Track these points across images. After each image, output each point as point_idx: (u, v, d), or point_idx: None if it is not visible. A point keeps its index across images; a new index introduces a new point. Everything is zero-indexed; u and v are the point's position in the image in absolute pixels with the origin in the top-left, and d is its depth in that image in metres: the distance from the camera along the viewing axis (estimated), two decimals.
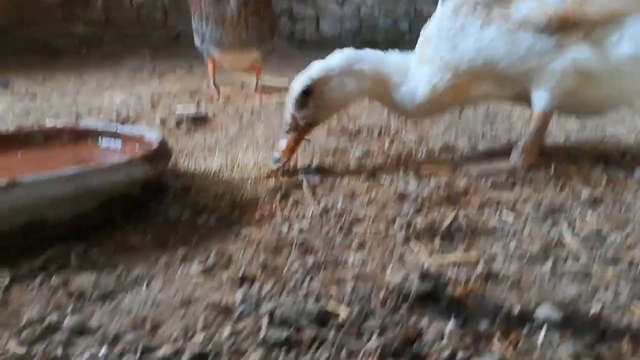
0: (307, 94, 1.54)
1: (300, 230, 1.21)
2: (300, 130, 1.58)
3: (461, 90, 1.56)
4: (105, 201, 1.16)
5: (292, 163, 1.65)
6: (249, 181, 1.53)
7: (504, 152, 1.71)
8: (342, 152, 1.83)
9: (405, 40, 4.71)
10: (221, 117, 2.41)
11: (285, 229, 1.22)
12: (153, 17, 4.94)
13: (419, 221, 1.21)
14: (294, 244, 1.13)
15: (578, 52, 1.46)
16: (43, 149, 1.57)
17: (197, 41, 2.88)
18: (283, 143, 1.57)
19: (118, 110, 2.48)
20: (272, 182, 1.53)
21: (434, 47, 1.53)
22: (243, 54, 2.87)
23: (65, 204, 1.09)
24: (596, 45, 1.46)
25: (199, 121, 2.32)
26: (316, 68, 1.56)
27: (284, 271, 1.02)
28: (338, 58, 1.57)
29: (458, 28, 1.50)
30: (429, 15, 1.65)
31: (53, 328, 0.84)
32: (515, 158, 1.54)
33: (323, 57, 1.60)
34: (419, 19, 4.82)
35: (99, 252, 1.10)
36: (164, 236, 1.19)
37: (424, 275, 0.90)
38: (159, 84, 3.29)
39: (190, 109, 2.56)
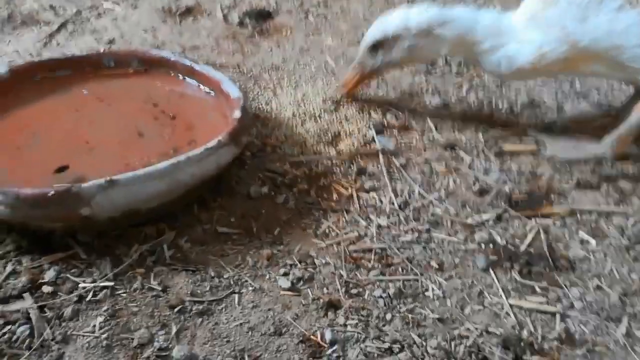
0: (377, 46, 1.47)
1: (379, 228, 1.22)
2: (364, 75, 1.57)
3: (570, 65, 1.39)
4: (194, 187, 1.17)
5: (365, 112, 1.59)
6: (323, 139, 1.49)
7: (591, 122, 1.60)
8: (418, 95, 1.72)
9: None
10: (285, 13, 2.23)
11: (363, 223, 1.23)
12: None
13: (499, 237, 1.20)
14: (373, 252, 1.16)
15: None
16: (114, 78, 1.52)
17: None
18: (347, 75, 1.59)
19: None
20: (346, 142, 1.49)
21: (560, 11, 1.32)
22: None
23: (157, 198, 1.11)
24: None
25: (262, 18, 2.15)
26: (394, 22, 1.44)
27: (366, 295, 1.06)
28: (420, 17, 1.42)
29: (595, 1, 1.28)
30: None
31: (164, 357, 0.93)
32: (607, 146, 1.44)
33: None
34: None
35: (189, 241, 1.15)
36: (248, 221, 1.22)
37: (506, 344, 0.94)
38: None
39: None
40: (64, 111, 1.37)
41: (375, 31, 1.48)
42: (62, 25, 2.01)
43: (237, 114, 1.30)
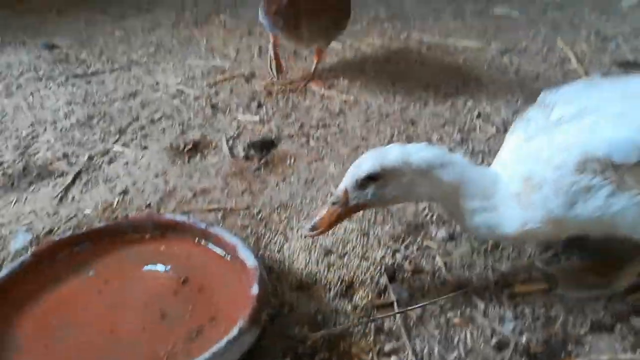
0: (372, 179, 1.37)
1: None
2: (347, 209, 1.42)
3: (560, 233, 1.41)
4: None
5: (374, 252, 1.63)
6: (337, 290, 1.53)
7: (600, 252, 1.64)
8: (423, 226, 1.78)
9: None
10: (286, 139, 2.32)
11: None
12: None
13: None
14: None
15: None
16: (132, 245, 1.58)
17: (260, 14, 2.68)
18: (323, 213, 1.42)
19: (178, 108, 2.43)
20: (361, 293, 1.52)
21: (544, 198, 1.30)
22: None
23: None
24: None
25: (266, 148, 2.24)
26: (393, 155, 1.37)
27: None
28: (422, 154, 1.37)
29: (583, 188, 1.26)
30: None
31: None
32: (616, 284, 1.47)
33: None
34: None
35: None
36: None
37: None
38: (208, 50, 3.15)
39: (252, 118, 2.48)
40: (86, 295, 1.42)
41: (370, 163, 1.37)
42: (76, 177, 2.09)
43: (255, 289, 1.34)
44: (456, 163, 1.40)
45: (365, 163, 1.39)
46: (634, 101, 1.32)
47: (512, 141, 1.47)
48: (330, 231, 1.74)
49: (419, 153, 1.38)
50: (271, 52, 2.82)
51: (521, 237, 1.38)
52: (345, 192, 1.40)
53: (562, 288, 1.49)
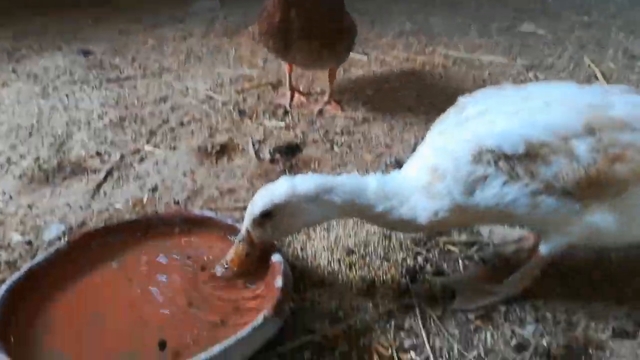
0: (266, 216, 1.43)
1: None
2: (255, 248, 1.48)
3: (468, 221, 1.50)
4: None
5: (396, 255, 1.65)
6: (358, 288, 1.56)
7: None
8: (446, 233, 1.80)
9: None
10: (311, 144, 2.37)
11: None
12: None
13: None
14: None
15: (600, 219, 1.34)
16: (161, 239, 1.63)
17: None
18: (232, 252, 1.48)
19: (206, 112, 2.48)
20: (382, 291, 1.55)
21: (447, 187, 1.39)
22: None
23: None
24: (620, 210, 1.34)
25: (291, 153, 2.30)
26: (281, 190, 1.42)
27: None
28: (306, 184, 1.43)
29: (479, 177, 1.35)
30: None
31: None
32: (514, 286, 1.50)
33: None
34: None
35: None
36: None
37: None
38: (237, 59, 3.22)
39: (278, 124, 2.54)
40: (118, 283, 1.47)
41: (260, 201, 1.44)
42: (108, 173, 2.17)
43: (279, 282, 1.38)
44: (342, 184, 1.44)
45: (257, 203, 1.45)
46: (528, 102, 1.42)
47: (428, 137, 1.55)
48: (352, 232, 1.79)
49: (304, 184, 1.43)
50: (286, 82, 2.79)
51: (434, 226, 1.46)
52: (248, 232, 1.47)
53: (458, 303, 1.51)
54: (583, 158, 1.31)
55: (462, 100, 1.54)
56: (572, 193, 1.33)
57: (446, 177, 1.40)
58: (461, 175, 1.38)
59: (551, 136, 1.33)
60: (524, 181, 1.33)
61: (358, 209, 1.45)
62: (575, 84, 1.56)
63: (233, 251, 1.48)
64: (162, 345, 1.26)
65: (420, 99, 2.80)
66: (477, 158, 1.36)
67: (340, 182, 1.44)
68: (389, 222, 1.47)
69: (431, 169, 1.43)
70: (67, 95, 2.88)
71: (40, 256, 1.50)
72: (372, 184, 1.45)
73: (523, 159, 1.33)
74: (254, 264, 1.48)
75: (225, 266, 1.48)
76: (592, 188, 1.32)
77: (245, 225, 1.47)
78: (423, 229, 1.51)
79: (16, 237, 1.81)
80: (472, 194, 1.38)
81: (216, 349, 1.17)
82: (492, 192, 1.36)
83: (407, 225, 1.46)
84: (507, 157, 1.34)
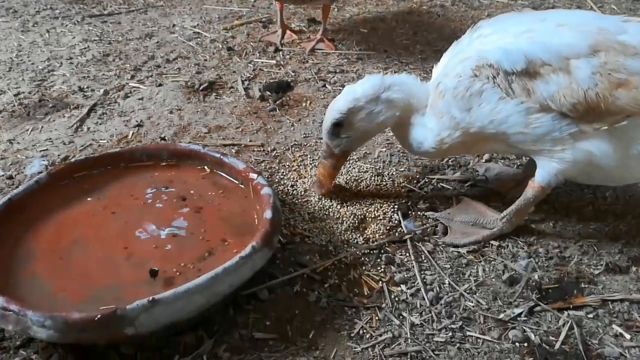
0: (338, 125, 1.50)
1: (412, 327, 1.24)
2: (336, 158, 1.57)
3: (469, 146, 1.48)
4: (231, 294, 1.20)
5: (390, 192, 1.62)
6: (349, 224, 1.52)
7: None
8: (439, 169, 1.76)
9: None
10: (303, 82, 2.29)
11: (396, 322, 1.25)
12: None
13: (533, 335, 1.21)
14: (408, 356, 1.17)
15: (596, 146, 1.30)
16: (146, 171, 1.57)
17: None
18: (320, 170, 1.58)
19: (194, 49, 2.37)
20: (373, 227, 1.52)
21: (446, 103, 1.39)
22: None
23: (197, 310, 1.14)
24: (617, 139, 1.30)
25: (282, 90, 2.21)
26: (344, 99, 1.49)
27: None
28: (365, 86, 1.49)
29: (476, 92, 1.34)
30: None
31: None
32: (505, 222, 1.47)
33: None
34: None
35: (228, 350, 1.18)
36: (283, 324, 1.24)
37: None
38: None
39: (268, 62, 2.45)
40: (101, 213, 1.43)
41: (330, 113, 1.51)
42: (92, 109, 2.08)
43: (269, 214, 1.34)
44: (401, 82, 1.51)
45: (328, 115, 1.53)
46: (541, 24, 1.38)
47: (443, 59, 1.55)
48: (344, 169, 1.74)
49: (362, 86, 1.50)
50: (277, 19, 2.67)
51: (440, 149, 1.48)
52: (327, 145, 1.56)
53: (450, 238, 1.49)
54: (584, 80, 1.26)
55: (480, 22, 1.52)
56: (569, 116, 1.29)
57: (446, 94, 1.40)
58: (459, 91, 1.38)
59: (554, 56, 1.29)
60: (519, 99, 1.31)
61: (410, 109, 1.49)
62: (597, 14, 1.50)
63: (321, 168, 1.59)
64: (154, 273, 1.24)
65: (416, 38, 2.70)
66: (477, 72, 1.35)
67: (398, 79, 1.50)
68: (409, 140, 1.51)
69: (435, 87, 1.44)
70: (47, 31, 2.74)
71: (21, 187, 1.44)
72: (419, 88, 1.50)
73: (521, 75, 1.31)
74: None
75: (317, 183, 1.60)
76: (590, 114, 1.28)
77: (324, 140, 1.56)
78: (429, 154, 1.54)
79: None
80: (469, 111, 1.38)
81: (204, 277, 1.14)
82: (488, 108, 1.35)
83: (418, 147, 1.50)
84: (506, 73, 1.32)
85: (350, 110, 1.48)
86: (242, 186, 1.51)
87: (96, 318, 1.06)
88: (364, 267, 1.40)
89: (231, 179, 1.54)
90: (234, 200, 1.48)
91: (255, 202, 1.43)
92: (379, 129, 1.58)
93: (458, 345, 1.20)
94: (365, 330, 1.23)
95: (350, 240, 1.48)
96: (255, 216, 1.40)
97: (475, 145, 1.47)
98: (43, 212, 1.42)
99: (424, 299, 1.31)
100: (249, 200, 1.46)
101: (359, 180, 1.71)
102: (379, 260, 1.42)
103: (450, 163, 1.79)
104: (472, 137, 1.42)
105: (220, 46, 2.59)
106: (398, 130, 1.56)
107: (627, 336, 1.21)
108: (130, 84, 2.25)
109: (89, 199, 1.48)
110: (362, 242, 1.47)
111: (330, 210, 1.59)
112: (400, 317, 1.27)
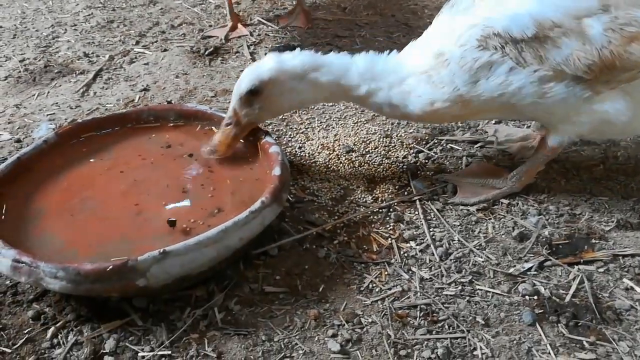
0: (254, 93, 1.37)
1: (422, 282, 1.24)
2: (241, 128, 1.42)
3: (465, 116, 1.42)
4: (241, 248, 1.21)
5: (398, 153, 1.61)
6: (358, 184, 1.52)
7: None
8: (448, 130, 1.74)
9: None
10: (309, 47, 2.25)
11: (405, 276, 1.26)
12: None
13: (543, 288, 1.21)
14: (418, 308, 1.18)
15: (611, 105, 1.28)
16: (154, 132, 1.57)
17: None
18: (219, 136, 1.43)
19: (198, 15, 2.33)
20: (382, 187, 1.51)
21: (451, 73, 1.30)
22: None
23: (207, 263, 1.15)
24: (631, 97, 1.28)
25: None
26: (268, 66, 1.35)
27: (415, 357, 1.08)
28: (294, 61, 1.36)
29: (484, 64, 1.27)
30: None
31: None
32: (515, 181, 1.46)
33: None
34: None
35: (239, 303, 1.19)
36: (292, 278, 1.25)
37: None
38: None
39: (274, 27, 2.41)
40: (109, 172, 1.42)
41: (249, 78, 1.37)
42: (97, 74, 2.07)
43: (277, 170, 1.33)
44: (330, 63, 1.38)
45: (244, 80, 1.38)
46: None
47: (437, 21, 1.44)
48: (352, 131, 1.73)
49: (292, 60, 1.37)
50: (227, 11, 2.43)
51: (428, 117, 1.39)
52: (235, 112, 1.41)
53: (460, 197, 1.47)
54: (597, 39, 1.22)
55: None
56: (584, 79, 1.26)
57: (450, 63, 1.31)
58: (467, 62, 1.29)
59: (564, 16, 1.23)
60: (532, 67, 1.25)
61: (343, 90, 1.38)
62: None
63: (220, 133, 1.44)
64: (172, 223, 1.25)
65: (424, 2, 2.65)
66: (484, 43, 1.27)
67: (328, 60, 1.38)
68: (373, 104, 1.41)
69: (436, 54, 1.35)
70: None
71: (29, 146, 1.44)
72: (358, 64, 1.37)
73: (532, 42, 1.24)
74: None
75: (212, 149, 1.44)
76: (605, 73, 1.24)
77: (232, 105, 1.41)
78: (412, 118, 1.43)
79: (5, 135, 1.75)
80: (476, 83, 1.30)
81: (214, 230, 1.14)
82: (497, 81, 1.28)
83: (394, 110, 1.40)
84: (515, 41, 1.25)
85: (272, 79, 1.35)
86: (251, 144, 1.50)
87: (108, 269, 1.07)
88: (372, 225, 1.40)
89: None
90: (243, 159, 1.47)
91: (264, 159, 1.43)
92: (295, 107, 1.51)
93: (467, 298, 1.20)
94: (374, 285, 1.24)
95: (359, 200, 1.47)
96: (264, 173, 1.40)
97: (469, 116, 1.42)
98: (52, 171, 1.42)
99: (434, 255, 1.31)
100: (258, 158, 1.45)
101: (368, 142, 1.70)
102: (387, 218, 1.42)
103: (460, 124, 1.77)
104: (473, 109, 1.35)
105: (225, 12, 2.55)
106: (348, 100, 1.49)
107: (638, 289, 1.21)
108: (135, 50, 2.23)
109: (97, 158, 1.47)
110: (371, 201, 1.47)
111: (339, 170, 1.59)
112: (410, 271, 1.27)
